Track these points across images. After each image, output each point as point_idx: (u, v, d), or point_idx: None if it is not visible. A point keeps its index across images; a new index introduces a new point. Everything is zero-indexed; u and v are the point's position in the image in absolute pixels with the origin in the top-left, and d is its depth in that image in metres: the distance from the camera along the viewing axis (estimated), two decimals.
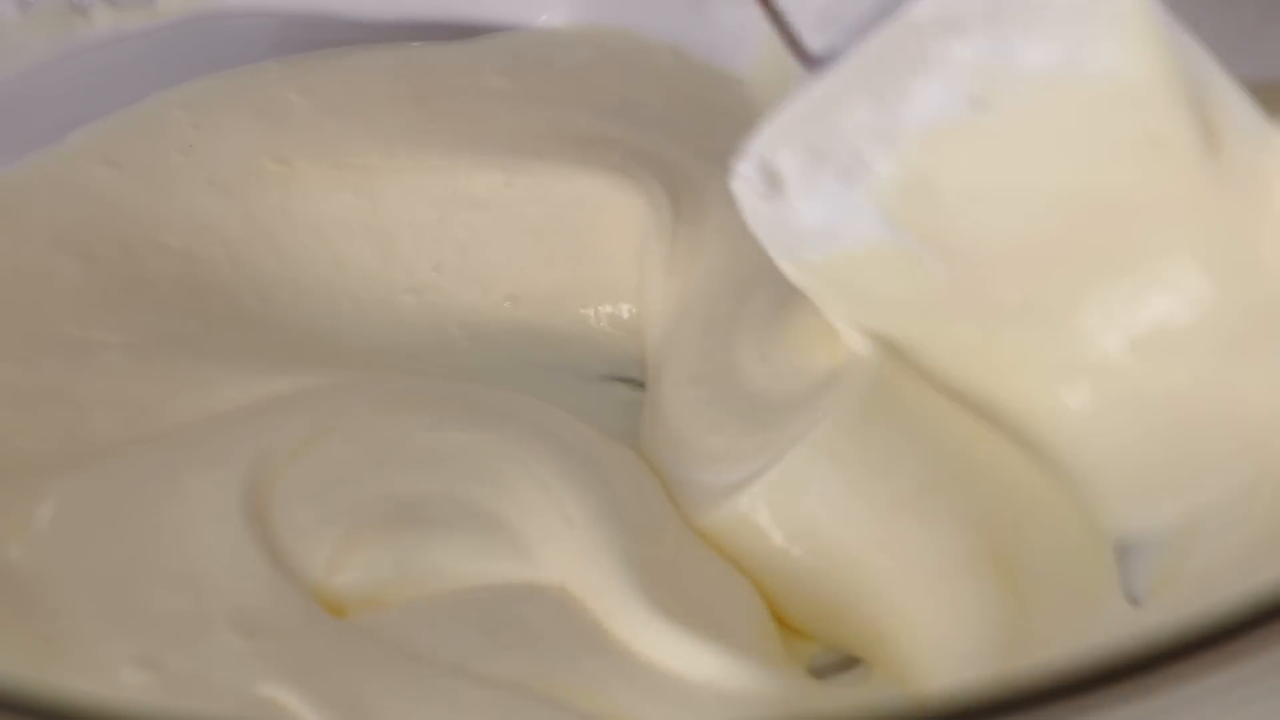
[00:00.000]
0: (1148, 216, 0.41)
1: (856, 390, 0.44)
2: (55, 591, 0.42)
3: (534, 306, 0.53)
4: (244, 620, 0.41)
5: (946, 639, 0.42)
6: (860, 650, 0.44)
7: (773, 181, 0.43)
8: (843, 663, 0.44)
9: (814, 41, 0.43)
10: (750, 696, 0.40)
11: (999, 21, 0.40)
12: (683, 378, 0.48)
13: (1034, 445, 0.44)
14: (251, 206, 0.53)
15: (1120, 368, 0.42)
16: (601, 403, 0.51)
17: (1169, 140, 0.40)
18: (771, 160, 0.43)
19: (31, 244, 0.51)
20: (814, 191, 0.43)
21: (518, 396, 0.48)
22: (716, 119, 0.55)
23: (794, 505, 0.43)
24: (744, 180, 0.44)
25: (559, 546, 0.42)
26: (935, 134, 0.41)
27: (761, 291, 0.48)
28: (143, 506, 0.44)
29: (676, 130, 0.54)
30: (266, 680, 0.39)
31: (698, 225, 0.51)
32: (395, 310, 0.52)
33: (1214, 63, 0.40)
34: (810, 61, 0.43)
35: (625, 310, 0.52)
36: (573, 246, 0.52)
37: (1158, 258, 0.41)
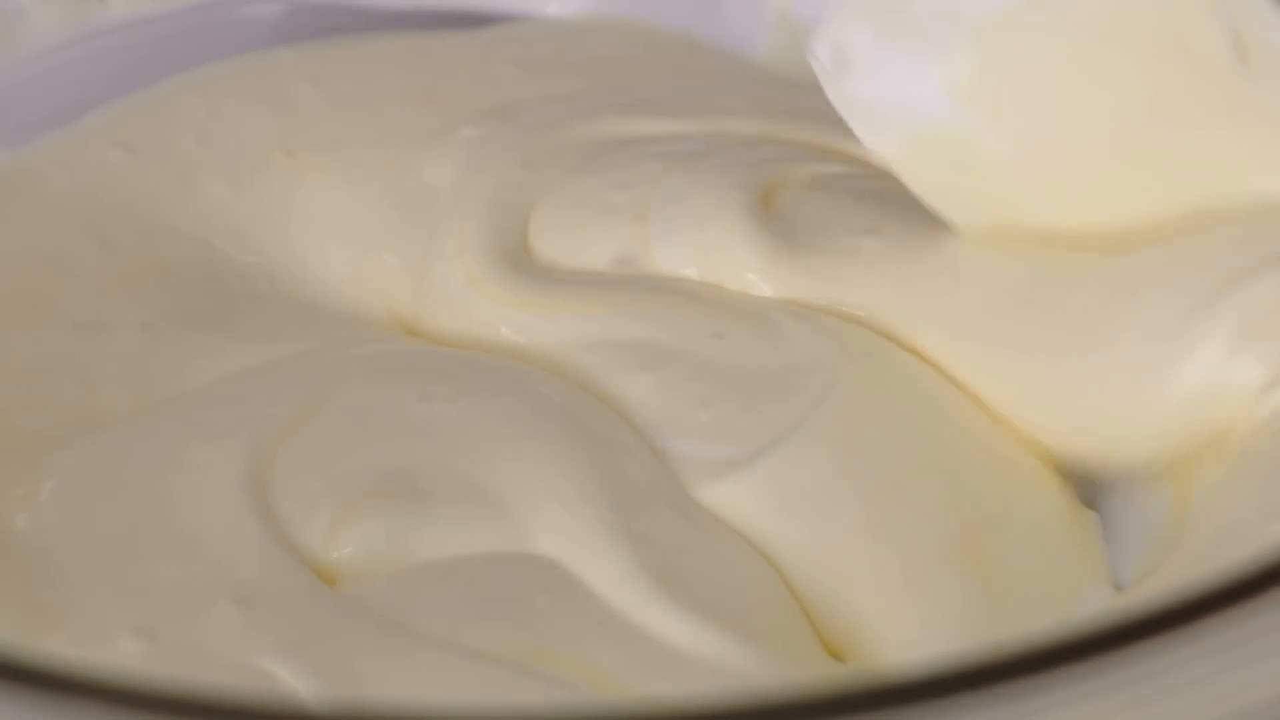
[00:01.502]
0: (1185, 121, 0.43)
1: (852, 372, 0.45)
2: (57, 561, 0.42)
3: None
4: (242, 592, 0.41)
5: (915, 632, 0.42)
6: (833, 649, 0.43)
7: (842, 62, 0.45)
8: None
9: None
10: (744, 673, 0.40)
11: None
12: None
13: None
14: (260, 197, 0.53)
15: None
16: None
17: (1194, 44, 0.41)
18: (843, 42, 0.45)
19: (47, 226, 0.52)
20: (882, 72, 0.45)
21: (506, 362, 0.47)
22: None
23: (791, 486, 0.44)
24: (815, 60, 0.45)
25: (550, 521, 0.43)
26: (996, 25, 0.43)
27: None
28: (145, 478, 0.44)
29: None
30: (262, 652, 0.40)
31: None
32: (395, 296, 0.52)
33: None
34: None
35: None
36: None
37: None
